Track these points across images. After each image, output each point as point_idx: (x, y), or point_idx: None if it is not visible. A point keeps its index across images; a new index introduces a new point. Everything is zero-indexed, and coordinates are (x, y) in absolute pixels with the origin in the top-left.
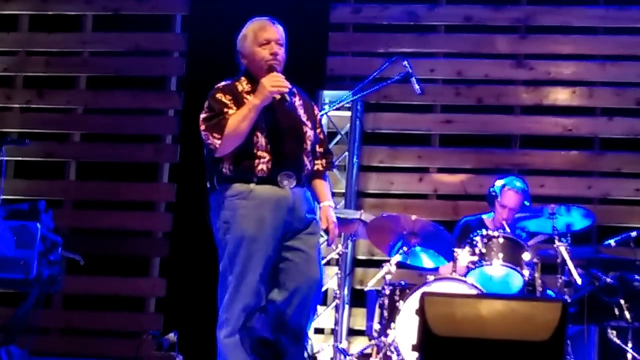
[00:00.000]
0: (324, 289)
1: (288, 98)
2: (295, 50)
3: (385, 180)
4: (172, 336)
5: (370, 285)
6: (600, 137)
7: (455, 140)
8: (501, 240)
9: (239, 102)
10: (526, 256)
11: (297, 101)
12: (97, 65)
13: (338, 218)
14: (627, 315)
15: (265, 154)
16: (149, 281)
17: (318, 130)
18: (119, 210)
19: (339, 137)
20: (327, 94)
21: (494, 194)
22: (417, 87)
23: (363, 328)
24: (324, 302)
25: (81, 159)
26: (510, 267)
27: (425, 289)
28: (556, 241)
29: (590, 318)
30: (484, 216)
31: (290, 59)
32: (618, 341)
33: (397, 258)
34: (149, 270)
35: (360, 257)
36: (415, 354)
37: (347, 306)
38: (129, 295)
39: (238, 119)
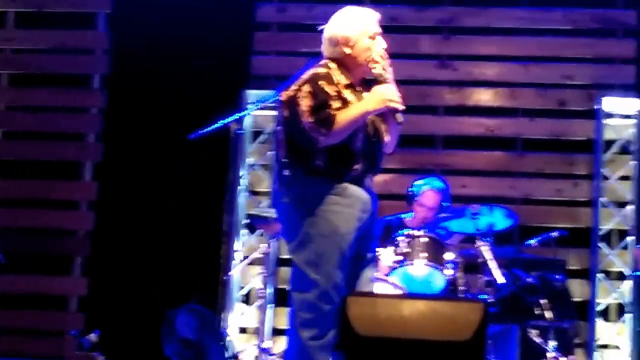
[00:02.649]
0: (247, 288)
1: (400, 119)
2: (220, 49)
3: None
4: (93, 336)
5: None
6: (522, 138)
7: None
8: (424, 240)
9: (340, 95)
10: (449, 256)
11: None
12: (20, 63)
13: (262, 217)
14: (548, 314)
15: (360, 155)
16: (71, 280)
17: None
18: (41, 209)
19: (263, 136)
20: (252, 94)
21: (412, 193)
22: None
23: (287, 327)
24: (247, 302)
25: (3, 157)
26: (433, 267)
27: None
28: (478, 241)
29: (511, 317)
30: (404, 216)
31: (214, 57)
32: (539, 340)
33: None
34: (71, 269)
35: (284, 256)
36: (338, 354)
37: (271, 305)
38: (50, 294)
39: (348, 121)
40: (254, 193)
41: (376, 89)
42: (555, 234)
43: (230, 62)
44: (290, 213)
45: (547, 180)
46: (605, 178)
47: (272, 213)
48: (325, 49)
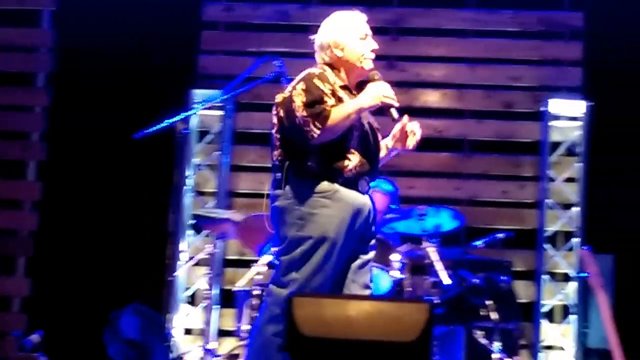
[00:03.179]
0: (192, 289)
1: (396, 115)
2: (166, 48)
3: (256, 180)
4: (36, 337)
5: (240, 285)
6: (469, 139)
7: None
8: None
9: (335, 94)
10: (395, 257)
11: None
12: None
13: (208, 218)
14: (494, 315)
15: (355, 155)
16: (14, 280)
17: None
18: None
19: (209, 136)
20: (198, 93)
21: None
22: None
23: (232, 329)
24: (193, 303)
25: None
26: (379, 268)
27: None
28: (425, 242)
29: (457, 319)
30: None
31: (161, 57)
32: (484, 341)
33: (267, 258)
34: (13, 270)
35: (230, 257)
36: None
37: (216, 306)
38: None
39: (342, 116)
40: (200, 193)
41: (370, 85)
42: (501, 235)
43: (177, 61)
44: (280, 216)
45: (494, 181)
46: (551, 180)
47: (218, 213)
48: (317, 56)
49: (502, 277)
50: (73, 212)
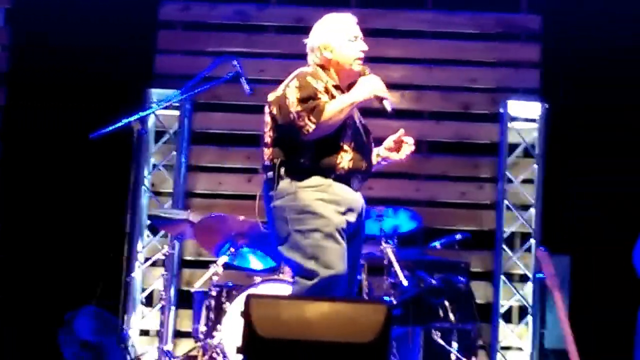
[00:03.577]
0: (149, 290)
1: (389, 107)
2: (123, 48)
3: (214, 181)
4: None
5: (197, 286)
6: (427, 141)
7: None
8: None
9: (328, 92)
10: None
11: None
12: None
13: (165, 218)
14: (452, 316)
15: (348, 152)
16: None
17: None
18: None
19: (167, 136)
20: (156, 93)
21: None
22: (246, 87)
23: (189, 330)
24: (150, 304)
25: None
26: None
27: (252, 290)
28: (383, 243)
29: (415, 319)
30: None
31: (118, 56)
32: (442, 342)
33: (224, 259)
34: None
35: (187, 257)
36: (241, 356)
37: (173, 307)
38: None
39: (337, 110)
40: (157, 194)
41: (362, 79)
42: (458, 236)
43: (134, 60)
44: (277, 216)
45: (452, 182)
46: (509, 181)
47: (175, 214)
48: (309, 58)
49: (460, 278)
50: (29, 212)
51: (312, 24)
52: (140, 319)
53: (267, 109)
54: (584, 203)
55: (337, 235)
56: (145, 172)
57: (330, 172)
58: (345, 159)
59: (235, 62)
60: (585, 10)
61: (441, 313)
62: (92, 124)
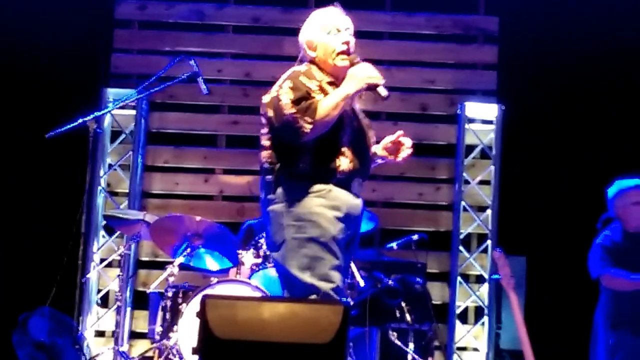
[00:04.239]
0: (104, 291)
1: (384, 92)
2: (79, 47)
3: (170, 181)
4: None
5: (153, 287)
6: None
7: (241, 141)
8: None
9: (323, 90)
10: None
11: (358, 106)
12: None
13: (121, 219)
14: (408, 317)
15: (347, 155)
16: None
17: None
18: None
19: (123, 136)
20: (112, 92)
21: None
22: (203, 87)
23: (145, 331)
24: (105, 305)
25: None
26: None
27: (208, 291)
28: None
29: (372, 320)
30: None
31: (73, 54)
32: (399, 343)
33: (180, 260)
34: None
35: (143, 258)
36: (196, 357)
37: (129, 308)
38: None
39: (331, 105)
40: (113, 194)
41: (351, 70)
42: (415, 236)
43: (90, 59)
44: (273, 221)
45: (409, 183)
46: (466, 182)
47: (131, 214)
48: (301, 56)
49: (416, 279)
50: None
51: (269, 24)
52: (96, 320)
53: (262, 110)
54: (540, 205)
55: (335, 247)
56: (101, 172)
57: (330, 176)
58: (344, 162)
59: (192, 62)
60: (542, 12)
61: (398, 314)
62: (48, 124)
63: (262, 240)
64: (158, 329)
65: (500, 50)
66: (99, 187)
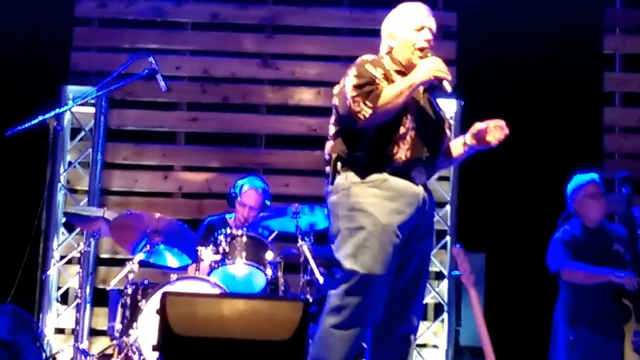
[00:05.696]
0: (64, 288)
1: (449, 88)
2: (38, 44)
3: (130, 178)
4: None
5: (113, 284)
6: None
7: (200, 138)
8: (245, 239)
9: (388, 78)
10: (269, 255)
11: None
12: None
13: (81, 216)
14: None
15: (406, 144)
16: None
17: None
18: None
19: (82, 133)
20: (71, 89)
21: (234, 194)
22: (162, 84)
23: (105, 328)
24: (65, 302)
25: None
26: (254, 266)
27: (167, 288)
28: (299, 240)
29: None
30: (227, 216)
31: (33, 52)
32: None
33: (140, 256)
34: None
35: (103, 255)
36: (156, 354)
37: (88, 306)
38: None
39: (395, 93)
40: (72, 191)
41: (422, 61)
42: None
43: (49, 57)
44: (332, 212)
45: None
46: None
47: (90, 211)
48: (381, 45)
49: None
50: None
51: (228, 21)
52: (56, 317)
53: (333, 102)
54: (499, 201)
55: (385, 237)
56: (61, 170)
57: (386, 164)
58: (402, 148)
59: (151, 59)
60: (500, 7)
61: None
62: (8, 121)
63: (222, 237)
64: (118, 326)
65: (458, 46)
66: (59, 184)
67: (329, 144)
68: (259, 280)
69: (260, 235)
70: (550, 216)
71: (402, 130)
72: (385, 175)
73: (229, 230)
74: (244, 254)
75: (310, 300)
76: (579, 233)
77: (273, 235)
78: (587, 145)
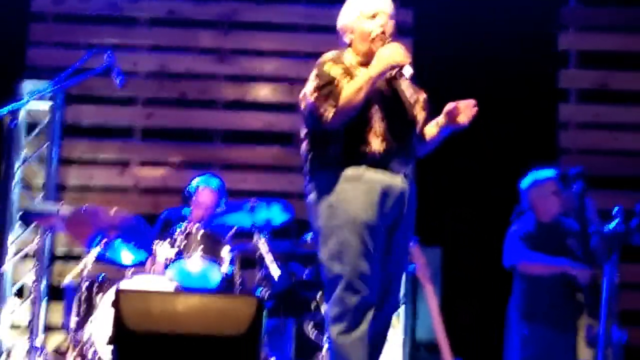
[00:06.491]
0: (20, 283)
1: (408, 73)
2: None
3: (86, 174)
4: None
5: (68, 279)
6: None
7: (157, 134)
8: (201, 234)
9: (350, 74)
10: (225, 251)
11: (404, 81)
12: None
13: (36, 211)
14: (323, 308)
15: (378, 136)
16: None
17: (424, 113)
18: None
19: (39, 128)
20: (27, 85)
21: (189, 193)
22: (119, 79)
23: (60, 323)
24: (20, 297)
25: None
26: (209, 262)
27: (123, 283)
28: (256, 236)
29: (287, 312)
30: (184, 211)
31: None
32: (314, 334)
33: (96, 252)
34: None
35: (58, 251)
36: (111, 349)
37: (44, 301)
38: None
39: (354, 89)
40: (28, 187)
41: (378, 52)
42: None
43: (5, 52)
44: (312, 210)
45: None
46: None
47: (46, 207)
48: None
49: None
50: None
51: (185, 17)
52: (11, 313)
53: (300, 104)
54: (456, 195)
55: (366, 233)
56: (17, 165)
57: (361, 159)
58: (376, 141)
59: (107, 55)
60: (456, 5)
61: (313, 305)
62: None
63: (178, 233)
64: (73, 321)
65: (414, 43)
66: (14, 180)
67: (303, 145)
68: (215, 276)
69: (216, 230)
70: (507, 211)
71: (371, 122)
72: (361, 170)
73: (185, 226)
74: (199, 249)
75: (266, 295)
76: (533, 228)
77: (232, 231)
78: (544, 142)
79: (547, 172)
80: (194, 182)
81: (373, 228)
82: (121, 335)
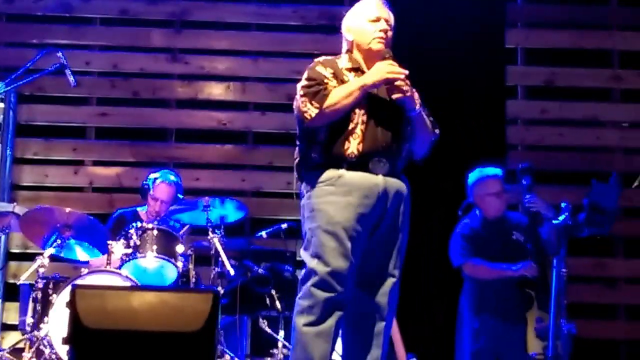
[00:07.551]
0: None
1: (399, 95)
2: None
3: (40, 173)
4: None
5: (24, 278)
6: (253, 131)
7: (110, 133)
8: (155, 232)
9: (338, 77)
10: (180, 248)
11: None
12: None
13: None
14: (278, 305)
15: (357, 138)
16: None
17: (418, 109)
18: None
19: None
20: None
21: (146, 187)
22: (71, 79)
23: (16, 322)
24: None
25: None
26: (165, 259)
27: (79, 282)
28: (210, 233)
29: (242, 308)
30: (139, 209)
31: None
32: (269, 330)
33: (50, 251)
34: None
35: (13, 250)
36: (67, 348)
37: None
38: None
39: (344, 94)
40: None
41: (377, 64)
42: (284, 225)
43: None
44: (301, 214)
45: (277, 172)
46: None
47: (0, 207)
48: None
49: (286, 267)
50: None
51: (137, 16)
52: None
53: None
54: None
55: (342, 234)
56: None
57: (340, 161)
58: (353, 143)
59: (60, 54)
60: (404, 1)
61: (268, 302)
62: None
63: (133, 230)
64: (29, 320)
65: None
66: None
67: (295, 150)
68: (170, 273)
69: (171, 228)
70: (456, 206)
71: (351, 125)
72: (340, 172)
73: (140, 224)
74: (154, 247)
75: (222, 291)
76: (478, 225)
77: (185, 228)
78: (492, 137)
79: (493, 170)
80: (152, 176)
81: (350, 228)
82: (77, 333)
